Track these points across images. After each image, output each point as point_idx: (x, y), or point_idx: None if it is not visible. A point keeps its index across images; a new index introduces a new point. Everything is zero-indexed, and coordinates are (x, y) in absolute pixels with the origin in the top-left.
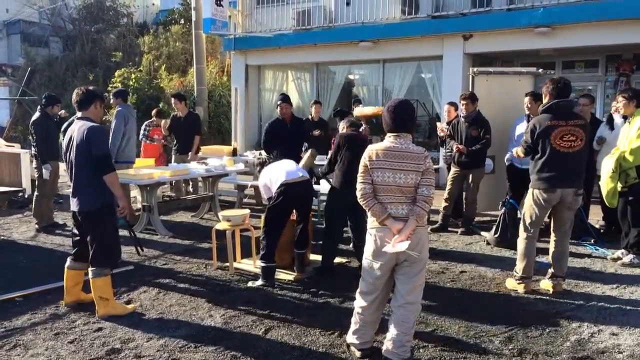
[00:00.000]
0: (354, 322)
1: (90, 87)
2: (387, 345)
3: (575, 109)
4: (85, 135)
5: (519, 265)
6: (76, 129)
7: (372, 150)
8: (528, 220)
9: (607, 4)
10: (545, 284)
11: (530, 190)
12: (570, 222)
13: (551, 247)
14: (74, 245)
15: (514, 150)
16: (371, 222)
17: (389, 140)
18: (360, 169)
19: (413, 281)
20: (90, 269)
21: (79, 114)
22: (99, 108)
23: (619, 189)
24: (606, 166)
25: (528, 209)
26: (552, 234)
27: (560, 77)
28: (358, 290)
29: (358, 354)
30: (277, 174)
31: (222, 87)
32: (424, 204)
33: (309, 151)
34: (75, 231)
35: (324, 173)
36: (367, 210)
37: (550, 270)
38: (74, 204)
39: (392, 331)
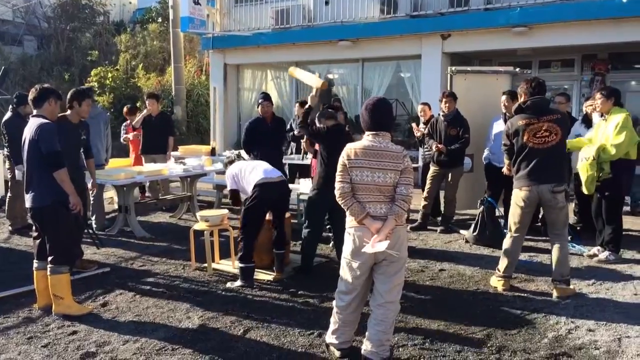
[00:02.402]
0: (333, 322)
1: (46, 85)
2: (366, 344)
3: (552, 106)
4: (35, 132)
5: (501, 263)
6: (29, 126)
7: (350, 149)
8: (512, 220)
9: (583, 4)
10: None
11: (513, 192)
12: (562, 223)
13: (551, 250)
14: (35, 244)
15: (504, 170)
16: (350, 221)
17: (368, 139)
18: (339, 167)
19: (392, 280)
20: (48, 265)
21: (34, 112)
22: (54, 105)
23: None
24: (586, 153)
25: (512, 209)
26: (549, 237)
27: (535, 77)
28: (337, 290)
29: (337, 353)
30: (253, 172)
31: (200, 87)
32: (403, 203)
33: (322, 81)
34: (35, 230)
35: (298, 134)
36: (345, 210)
37: (553, 275)
38: (27, 201)
39: (371, 330)
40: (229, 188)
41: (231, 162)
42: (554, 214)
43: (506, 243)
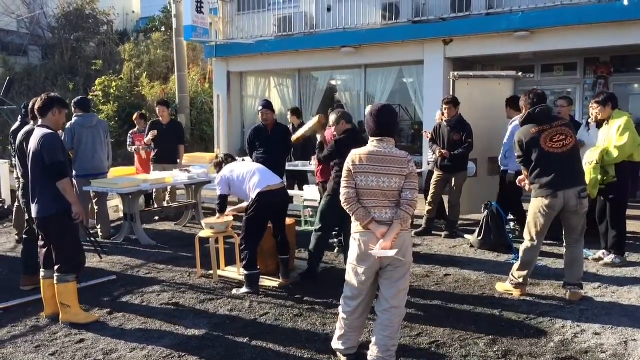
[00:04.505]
0: (339, 328)
1: (52, 94)
2: (372, 350)
3: (554, 111)
4: (39, 143)
5: (519, 272)
6: (34, 137)
7: (355, 154)
8: (533, 230)
9: (585, 8)
10: (564, 293)
11: (532, 200)
12: (582, 228)
13: (565, 253)
14: (41, 253)
15: (520, 180)
16: (355, 226)
17: (372, 144)
18: (344, 173)
19: (397, 285)
20: (55, 274)
21: (39, 122)
22: (58, 114)
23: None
24: (589, 158)
25: (532, 218)
26: (564, 241)
27: (533, 88)
28: (343, 295)
29: (344, 359)
30: (253, 178)
31: (204, 94)
32: (408, 208)
33: (317, 117)
34: (41, 239)
35: (324, 157)
36: (351, 215)
37: (564, 280)
38: (32, 211)
39: (377, 336)
40: (219, 193)
41: (219, 164)
42: (576, 219)
43: (526, 252)
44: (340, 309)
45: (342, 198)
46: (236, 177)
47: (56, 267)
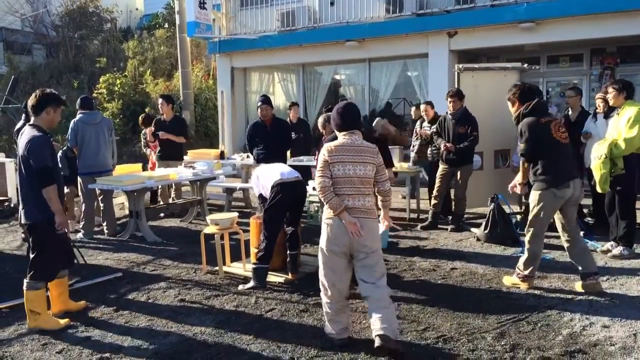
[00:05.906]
0: (326, 313)
1: (47, 90)
2: (375, 325)
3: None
4: (26, 146)
5: (525, 265)
6: (23, 137)
7: (330, 146)
8: (539, 223)
9: None
10: (579, 286)
11: (539, 192)
12: (575, 218)
13: (569, 248)
14: None
15: (517, 186)
16: (327, 213)
17: (344, 138)
18: (320, 164)
19: (375, 270)
20: (25, 280)
21: (31, 120)
22: (52, 114)
23: None
24: (598, 152)
25: (538, 211)
26: (564, 236)
27: (522, 82)
28: (320, 282)
29: (338, 343)
30: (271, 173)
31: (208, 91)
32: (388, 195)
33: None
34: None
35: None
36: (325, 203)
37: (581, 272)
38: (21, 216)
39: (375, 314)
40: (256, 194)
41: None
42: (573, 209)
43: (530, 245)
44: (321, 294)
45: (317, 187)
46: (260, 178)
47: (30, 274)
